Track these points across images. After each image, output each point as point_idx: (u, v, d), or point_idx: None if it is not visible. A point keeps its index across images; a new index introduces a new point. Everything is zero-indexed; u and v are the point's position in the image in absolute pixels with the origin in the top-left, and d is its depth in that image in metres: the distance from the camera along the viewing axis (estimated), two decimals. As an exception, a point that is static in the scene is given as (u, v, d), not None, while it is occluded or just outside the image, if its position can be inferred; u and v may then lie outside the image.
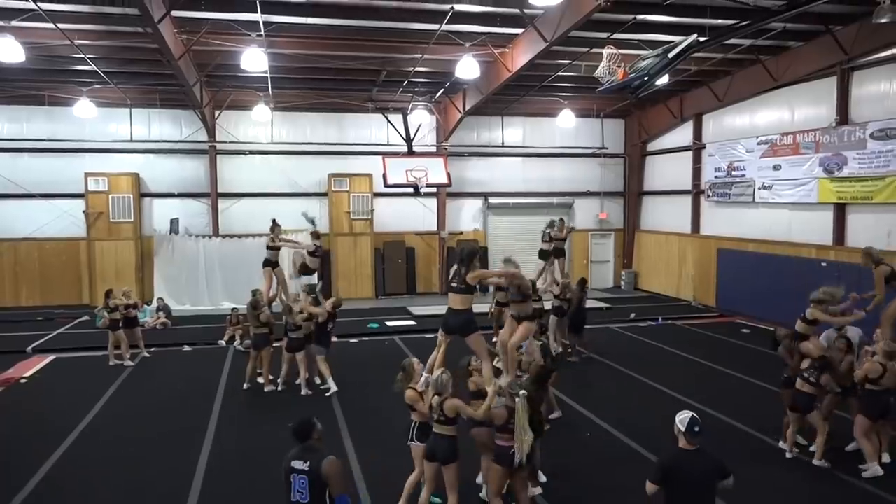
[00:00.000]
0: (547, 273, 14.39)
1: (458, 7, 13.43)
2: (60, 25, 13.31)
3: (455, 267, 7.24)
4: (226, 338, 15.79)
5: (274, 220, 13.52)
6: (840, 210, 16.16)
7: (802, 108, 17.33)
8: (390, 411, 9.21)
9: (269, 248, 13.28)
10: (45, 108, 20.14)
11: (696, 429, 5.01)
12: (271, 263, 13.25)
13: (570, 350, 13.97)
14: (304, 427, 5.08)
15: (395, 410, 8.40)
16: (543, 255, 14.57)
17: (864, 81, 15.56)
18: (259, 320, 11.97)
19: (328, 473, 4.87)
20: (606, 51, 13.51)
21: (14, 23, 13.08)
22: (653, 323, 18.05)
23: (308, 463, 4.91)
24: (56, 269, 20.73)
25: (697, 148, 21.45)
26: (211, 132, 21.41)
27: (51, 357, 14.52)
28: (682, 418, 5.09)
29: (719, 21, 13.60)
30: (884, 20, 11.66)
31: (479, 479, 7.54)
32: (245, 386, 11.90)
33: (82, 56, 15.33)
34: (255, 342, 12.06)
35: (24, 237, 20.47)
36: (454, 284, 7.12)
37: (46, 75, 18.02)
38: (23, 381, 12.74)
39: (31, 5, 12.13)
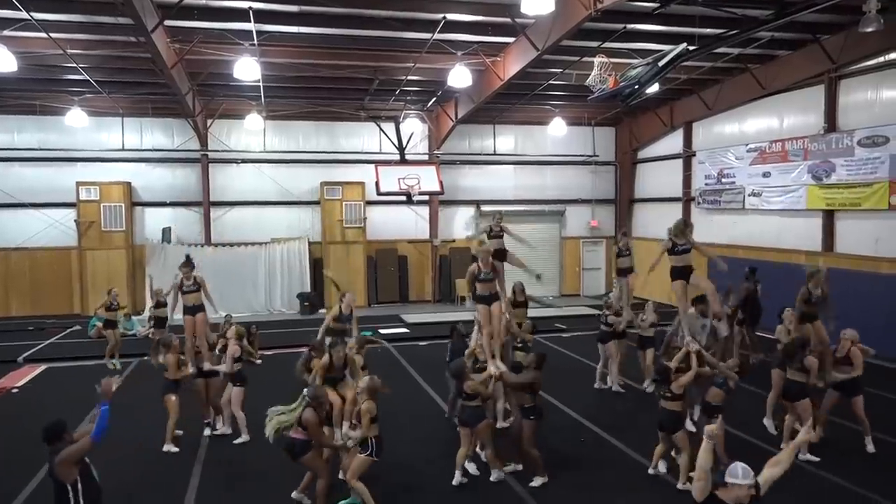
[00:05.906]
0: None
1: (450, 16, 13.55)
2: (53, 35, 13.35)
3: None
4: (219, 346, 15.72)
5: (187, 256, 11.41)
6: (829, 217, 16.33)
7: (791, 115, 17.52)
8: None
9: (186, 292, 10.94)
10: (36, 117, 20.10)
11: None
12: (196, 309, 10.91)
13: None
14: (53, 428, 5.50)
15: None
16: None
17: (850, 89, 15.76)
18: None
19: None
20: (597, 59, 13.68)
21: (6, 32, 13.10)
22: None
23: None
24: (47, 278, 20.64)
25: (688, 155, 21.63)
26: (203, 141, 21.41)
27: (42, 367, 14.45)
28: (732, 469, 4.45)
29: (708, 30, 13.75)
30: (869, 29, 11.86)
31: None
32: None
33: (74, 65, 15.37)
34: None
35: (14, 247, 20.38)
36: None
37: (38, 84, 18.03)
38: (14, 391, 12.69)
39: (24, 15, 12.14)
